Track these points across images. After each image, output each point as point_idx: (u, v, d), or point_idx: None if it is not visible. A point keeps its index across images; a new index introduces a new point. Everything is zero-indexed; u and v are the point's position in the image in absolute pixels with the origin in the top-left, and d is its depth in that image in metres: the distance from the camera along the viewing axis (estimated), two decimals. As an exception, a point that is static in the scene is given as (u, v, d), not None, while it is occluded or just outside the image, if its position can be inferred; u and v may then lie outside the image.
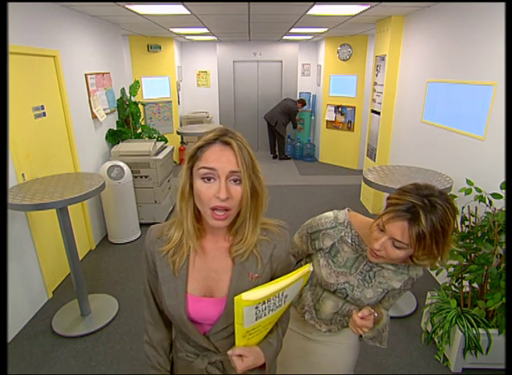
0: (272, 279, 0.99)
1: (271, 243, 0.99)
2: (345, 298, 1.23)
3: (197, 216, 0.95)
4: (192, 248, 0.97)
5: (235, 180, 0.85)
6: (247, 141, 0.89)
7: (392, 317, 2.77)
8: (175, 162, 5.90)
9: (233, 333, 0.89)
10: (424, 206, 0.94)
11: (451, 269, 2.36)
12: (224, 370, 1.05)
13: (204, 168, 0.84)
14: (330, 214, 1.23)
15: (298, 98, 7.73)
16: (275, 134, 7.37)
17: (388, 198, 1.05)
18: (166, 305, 0.98)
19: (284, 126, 7.22)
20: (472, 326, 2.15)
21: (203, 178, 0.85)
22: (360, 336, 1.39)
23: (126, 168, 3.83)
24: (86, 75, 3.75)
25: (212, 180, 0.84)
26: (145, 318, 1.11)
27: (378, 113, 4.46)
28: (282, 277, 0.85)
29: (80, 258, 3.49)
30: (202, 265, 0.99)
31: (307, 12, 3.72)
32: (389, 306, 1.30)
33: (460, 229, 2.37)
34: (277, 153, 7.62)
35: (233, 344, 0.93)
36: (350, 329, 1.35)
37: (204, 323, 1.00)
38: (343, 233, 1.19)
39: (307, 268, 0.88)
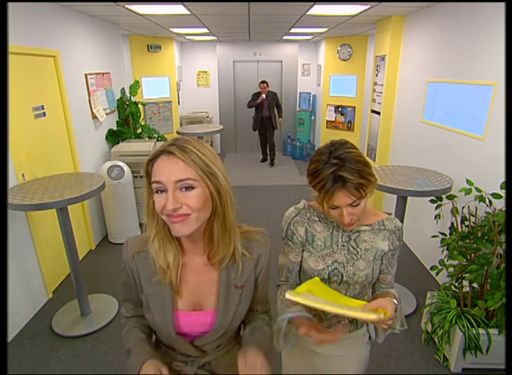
0: (255, 287, 1.02)
1: (254, 252, 1.00)
2: (342, 280, 1.20)
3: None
4: (174, 264, 0.94)
5: (187, 188, 0.83)
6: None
7: (392, 317, 2.77)
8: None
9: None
10: (338, 167, 1.02)
11: (451, 269, 2.36)
12: (212, 370, 1.05)
13: (155, 182, 0.84)
14: (290, 208, 1.28)
15: (297, 97, 7.75)
16: (269, 134, 6.76)
17: (312, 186, 1.10)
18: (156, 322, 0.97)
19: (276, 119, 6.66)
20: (472, 326, 2.15)
21: (156, 191, 0.84)
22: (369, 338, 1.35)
23: (126, 168, 3.83)
24: (86, 75, 3.75)
25: (165, 192, 0.83)
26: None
27: (378, 113, 4.45)
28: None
29: (80, 258, 3.48)
30: (189, 280, 0.98)
31: (307, 12, 3.72)
32: (391, 279, 1.25)
33: (460, 229, 2.37)
34: (268, 157, 7.11)
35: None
36: (356, 337, 1.31)
37: (193, 334, 1.00)
38: (308, 215, 1.24)
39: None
